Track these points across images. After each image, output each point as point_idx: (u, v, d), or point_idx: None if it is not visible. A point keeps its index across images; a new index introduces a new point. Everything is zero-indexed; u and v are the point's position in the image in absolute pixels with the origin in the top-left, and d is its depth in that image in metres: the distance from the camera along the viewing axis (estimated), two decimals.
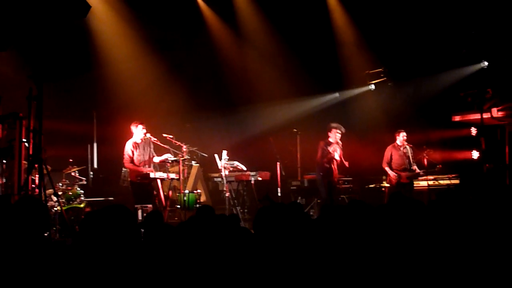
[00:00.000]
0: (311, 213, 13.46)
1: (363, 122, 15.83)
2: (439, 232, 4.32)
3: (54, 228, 10.68)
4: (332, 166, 12.75)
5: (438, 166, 13.14)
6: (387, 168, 13.12)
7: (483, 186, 11.81)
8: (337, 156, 12.73)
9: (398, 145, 13.14)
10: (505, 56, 13.65)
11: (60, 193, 11.13)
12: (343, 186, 14.43)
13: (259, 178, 13.59)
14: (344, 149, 13.01)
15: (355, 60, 15.90)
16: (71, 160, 12.41)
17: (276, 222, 3.84)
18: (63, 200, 11.33)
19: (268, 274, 3.54)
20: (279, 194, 13.40)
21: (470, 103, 12.66)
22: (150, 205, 10.97)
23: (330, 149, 12.67)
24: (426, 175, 13.19)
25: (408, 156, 13.06)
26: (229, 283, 3.54)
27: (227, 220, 4.35)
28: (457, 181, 13.28)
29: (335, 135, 12.80)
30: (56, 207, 10.77)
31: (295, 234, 3.84)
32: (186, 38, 15.94)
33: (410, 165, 13.06)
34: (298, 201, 13.84)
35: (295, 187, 14.97)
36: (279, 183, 13.58)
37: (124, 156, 11.57)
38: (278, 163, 13.60)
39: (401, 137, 13.10)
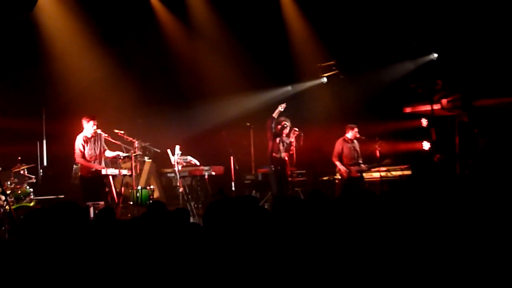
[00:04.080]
0: (266, 207, 13.43)
1: (316, 115, 15.85)
2: (392, 222, 4.34)
3: (3, 228, 10.43)
4: (282, 156, 12.65)
5: (386, 160, 13.32)
6: (337, 162, 13.14)
7: (434, 176, 11.97)
8: (283, 152, 12.68)
9: (349, 139, 13.18)
10: (454, 47, 13.86)
11: (8, 192, 10.87)
12: (297, 178, 14.47)
13: (213, 173, 13.57)
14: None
15: (307, 53, 15.93)
16: (19, 158, 12.12)
17: (228, 216, 3.79)
18: (12, 199, 11.06)
19: (217, 267, 3.49)
20: (233, 189, 13.38)
21: (420, 94, 12.85)
22: (102, 202, 10.81)
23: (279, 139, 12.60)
24: (379, 167, 13.34)
25: (357, 150, 13.15)
26: (178, 278, 3.49)
27: (177, 215, 4.29)
28: (409, 172, 13.42)
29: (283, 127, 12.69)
30: (4, 207, 10.51)
31: (249, 227, 3.79)
32: (136, 32, 15.72)
33: (359, 159, 13.16)
34: (252, 195, 13.82)
35: (249, 181, 14.98)
36: (233, 177, 13.56)
37: (75, 151, 11.37)
38: (231, 157, 13.57)
39: (354, 132, 13.12)
